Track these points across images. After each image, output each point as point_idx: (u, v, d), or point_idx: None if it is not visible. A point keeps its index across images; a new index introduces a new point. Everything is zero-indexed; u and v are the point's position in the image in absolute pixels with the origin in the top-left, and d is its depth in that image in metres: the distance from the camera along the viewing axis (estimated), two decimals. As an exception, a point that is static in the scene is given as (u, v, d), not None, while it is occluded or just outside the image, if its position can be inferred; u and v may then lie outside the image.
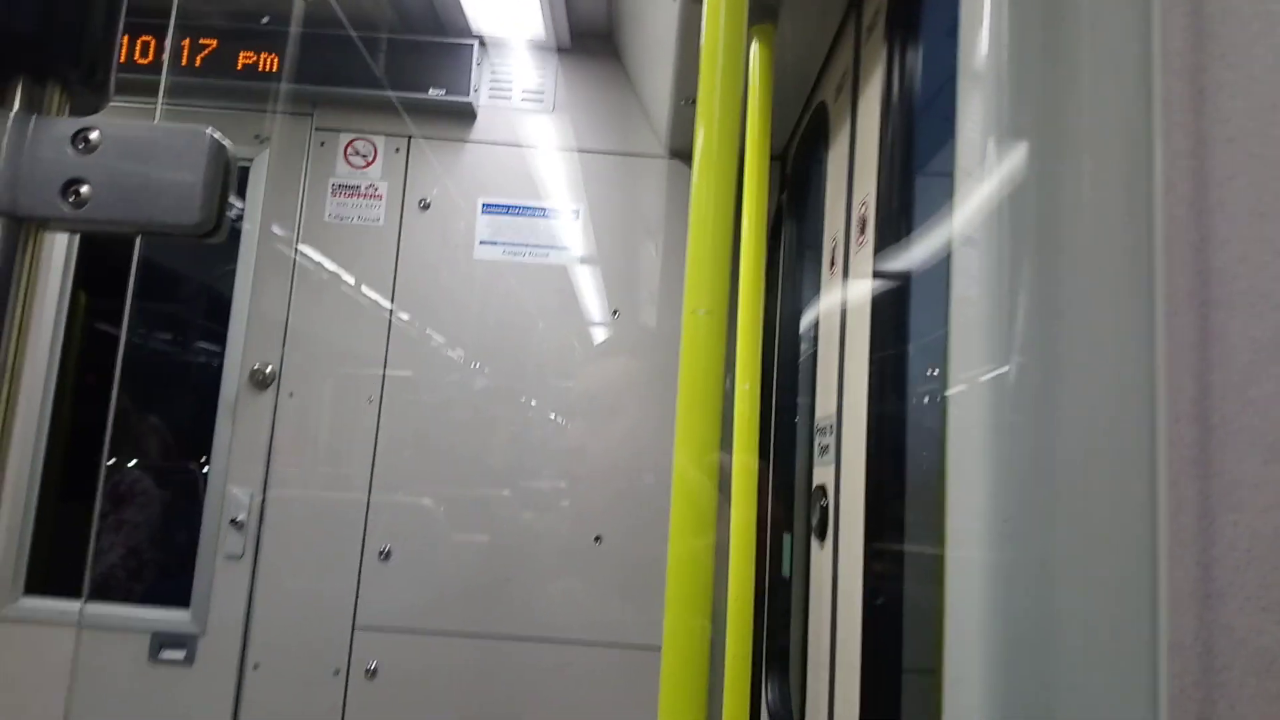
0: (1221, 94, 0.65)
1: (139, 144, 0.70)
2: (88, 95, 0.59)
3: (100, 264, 2.80)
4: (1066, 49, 0.79)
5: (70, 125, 0.55)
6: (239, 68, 2.62)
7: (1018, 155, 0.78)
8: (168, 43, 2.57)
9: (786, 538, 2.31)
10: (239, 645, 2.47)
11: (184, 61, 2.61)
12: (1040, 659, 0.74)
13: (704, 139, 1.05)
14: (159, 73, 2.60)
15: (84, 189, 0.62)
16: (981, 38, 0.83)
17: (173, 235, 0.71)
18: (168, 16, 2.59)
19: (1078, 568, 0.73)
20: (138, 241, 2.05)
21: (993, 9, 0.81)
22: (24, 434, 2.56)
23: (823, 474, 1.80)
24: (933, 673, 0.95)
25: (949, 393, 0.86)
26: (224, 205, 0.85)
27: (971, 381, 0.80)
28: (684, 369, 1.03)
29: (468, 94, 2.61)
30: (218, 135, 0.76)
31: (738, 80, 1.07)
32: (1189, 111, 0.69)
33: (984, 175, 0.80)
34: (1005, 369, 0.76)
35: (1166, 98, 0.72)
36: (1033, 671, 0.73)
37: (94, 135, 0.60)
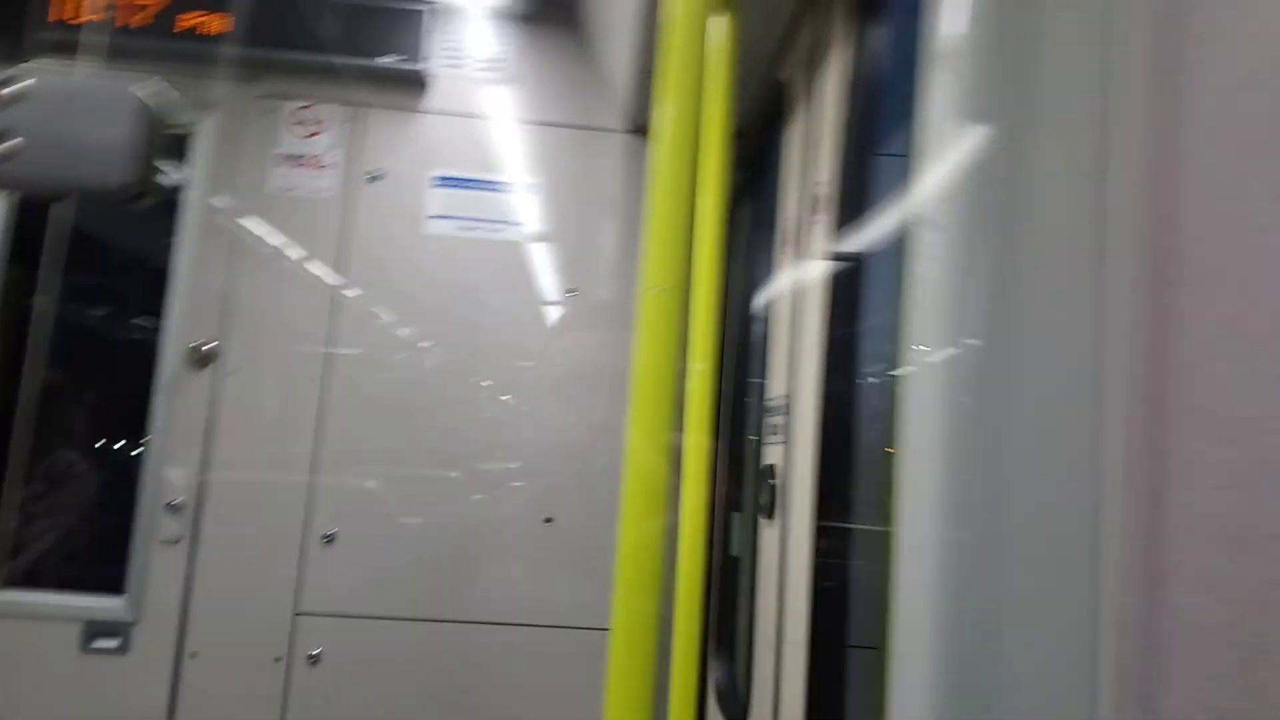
0: (1184, 74, 0.65)
1: (64, 100, 0.66)
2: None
3: (40, 239, 2.67)
4: (1029, 31, 0.78)
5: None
6: (180, 30, 2.51)
7: (978, 137, 0.78)
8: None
9: (736, 517, 2.32)
10: (176, 633, 2.40)
11: (119, 22, 2.49)
12: (988, 637, 0.74)
13: (663, 115, 1.03)
14: (95, 33, 2.47)
15: (4, 145, 0.58)
16: (945, 19, 0.82)
17: (98, 197, 0.67)
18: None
19: (1028, 547, 0.73)
20: (53, 206, 1.95)
21: None
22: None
23: (772, 453, 1.80)
24: (878, 649, 0.96)
25: (903, 373, 0.86)
26: (151, 166, 0.79)
27: (926, 362, 0.80)
28: (639, 347, 1.01)
29: (420, 62, 2.54)
30: (146, 93, 0.71)
31: (698, 55, 1.05)
32: (1149, 92, 0.69)
33: (944, 156, 0.79)
34: (960, 350, 0.76)
35: (1128, 78, 0.72)
36: (980, 649, 0.74)
37: (16, 86, 0.56)
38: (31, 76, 0.57)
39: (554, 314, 2.62)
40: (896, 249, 1.01)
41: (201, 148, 2.56)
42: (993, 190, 0.77)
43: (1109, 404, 0.69)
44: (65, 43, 2.46)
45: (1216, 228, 0.59)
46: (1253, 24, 0.59)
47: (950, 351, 0.77)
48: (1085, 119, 0.74)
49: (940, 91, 0.81)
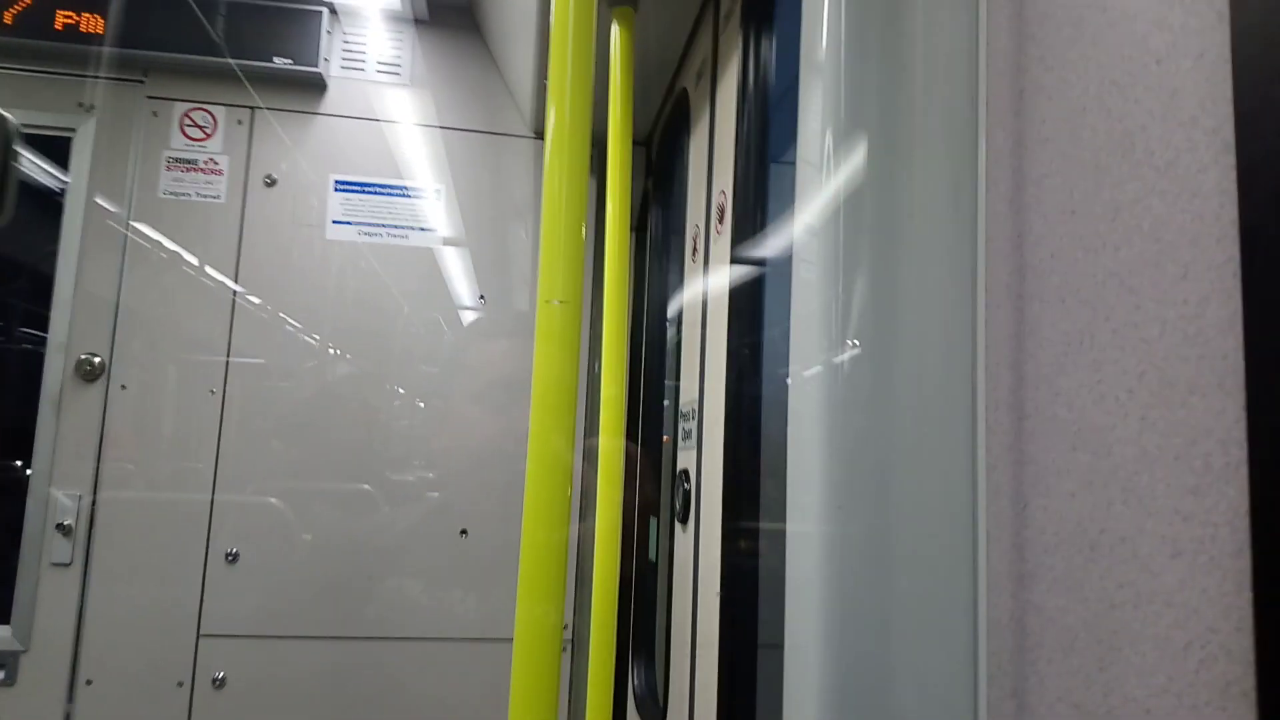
0: (1039, 95, 0.68)
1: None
2: None
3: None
4: (901, 46, 0.81)
5: None
6: (58, 28, 2.37)
7: (854, 148, 0.79)
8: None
9: (653, 522, 2.33)
10: (69, 660, 2.27)
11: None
12: (872, 632, 0.76)
13: (556, 121, 1.03)
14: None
15: None
16: (821, 33, 0.84)
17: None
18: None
19: (906, 547, 0.75)
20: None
21: (832, 6, 0.82)
22: None
23: (686, 458, 1.82)
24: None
25: (790, 376, 0.87)
26: (6, 185, 0.75)
27: (810, 365, 0.81)
28: (538, 360, 1.01)
29: (316, 64, 2.46)
30: None
31: (589, 60, 1.05)
32: (1009, 112, 0.71)
33: (822, 167, 0.81)
34: (841, 354, 0.78)
35: (990, 98, 0.75)
36: (865, 644, 0.76)
37: None
38: None
39: (466, 321, 2.58)
40: (791, 256, 1.03)
41: (83, 152, 2.43)
42: (869, 201, 0.79)
43: (977, 411, 0.71)
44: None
45: (1065, 244, 0.62)
46: (1088, 53, 0.62)
47: (832, 356, 0.79)
48: (954, 135, 0.77)
49: (820, 104, 0.83)
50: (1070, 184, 0.63)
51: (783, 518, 0.86)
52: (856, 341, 0.77)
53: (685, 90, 2.05)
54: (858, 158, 0.78)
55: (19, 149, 0.81)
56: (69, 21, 2.38)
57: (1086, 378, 0.59)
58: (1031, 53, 0.69)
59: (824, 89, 0.80)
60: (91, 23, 2.39)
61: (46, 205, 2.44)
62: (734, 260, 1.53)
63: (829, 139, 0.79)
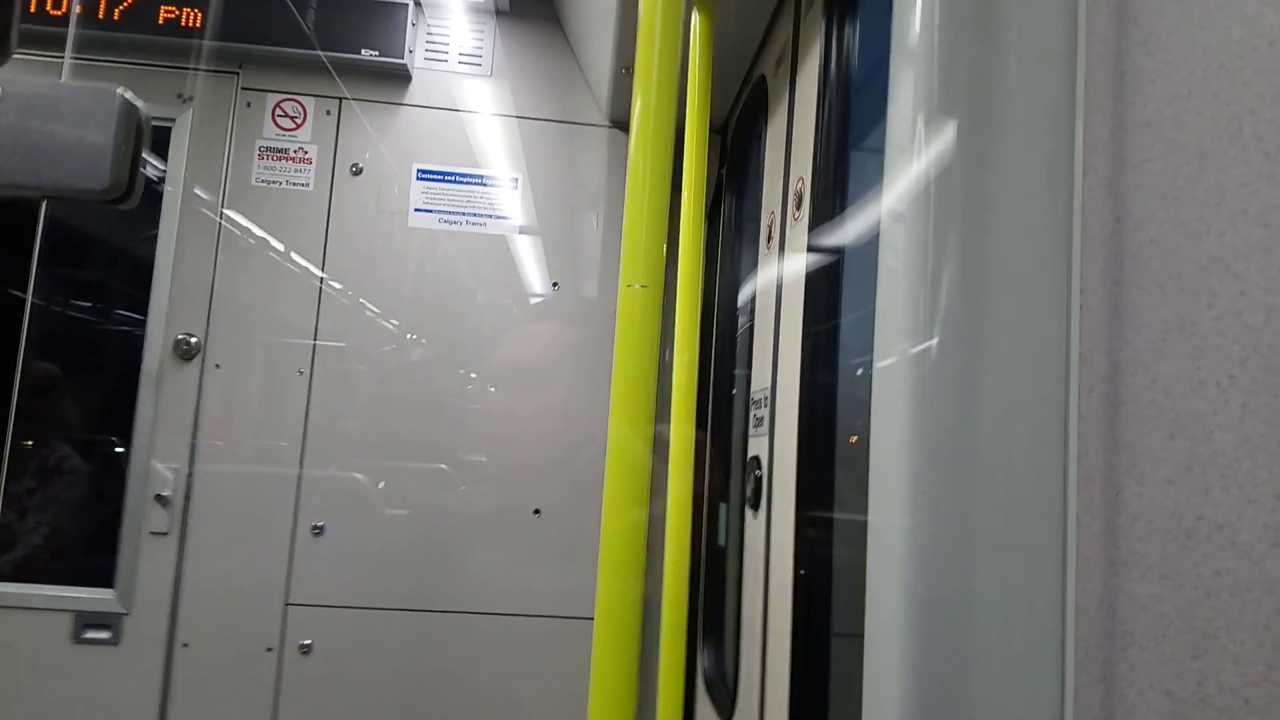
0: (1140, 79, 0.67)
1: (44, 101, 0.67)
2: None
3: (12, 228, 2.66)
4: (996, 31, 0.80)
5: (-34, 80, 0.52)
6: (160, 22, 2.49)
7: (946, 133, 0.79)
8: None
9: (723, 508, 2.34)
10: (167, 624, 2.41)
11: (101, 15, 2.47)
12: (955, 623, 0.76)
13: (641, 110, 1.04)
14: (77, 26, 2.46)
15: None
16: (914, 16, 0.84)
17: (81, 200, 0.68)
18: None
19: (992, 535, 0.75)
20: (43, 205, 1.93)
21: None
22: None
23: (757, 445, 1.82)
24: (861, 638, 0.98)
25: (875, 364, 0.87)
26: (136, 169, 0.80)
27: (896, 354, 0.82)
28: (619, 344, 1.03)
29: (402, 56, 2.53)
30: (129, 95, 0.72)
31: (675, 51, 1.06)
32: (1109, 96, 0.71)
33: (913, 152, 0.81)
34: (928, 343, 0.78)
35: (1089, 81, 0.74)
36: (948, 635, 0.76)
37: (-7, 90, 0.57)
38: (7, 80, 0.58)
39: (540, 306, 2.64)
40: (873, 243, 1.03)
41: (181, 141, 2.55)
42: (959, 187, 0.79)
43: (1070, 398, 0.71)
44: (50, 36, 2.45)
45: (1166, 230, 0.61)
46: (1194, 36, 0.61)
47: (920, 344, 0.79)
48: (1050, 119, 0.76)
49: (912, 88, 0.83)
50: (1172, 169, 0.62)
51: (858, 506, 0.87)
52: (944, 329, 0.77)
53: (764, 77, 2.04)
54: (949, 143, 0.78)
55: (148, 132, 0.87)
56: (171, 16, 2.50)
57: (1186, 364, 0.59)
58: (1133, 37, 0.68)
59: (916, 73, 0.80)
60: (192, 17, 2.50)
61: (146, 192, 2.57)
62: (811, 248, 1.53)
63: (920, 124, 0.79)
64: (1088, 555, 0.68)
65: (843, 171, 1.49)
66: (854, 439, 1.47)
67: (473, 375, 2.60)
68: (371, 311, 2.57)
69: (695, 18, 1.66)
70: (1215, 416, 0.56)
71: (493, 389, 2.61)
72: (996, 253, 0.77)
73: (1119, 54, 0.70)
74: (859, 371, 1.52)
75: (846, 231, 1.46)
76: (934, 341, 0.77)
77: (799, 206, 1.62)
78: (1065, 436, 0.71)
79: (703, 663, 2.30)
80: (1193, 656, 0.57)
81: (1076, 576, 0.69)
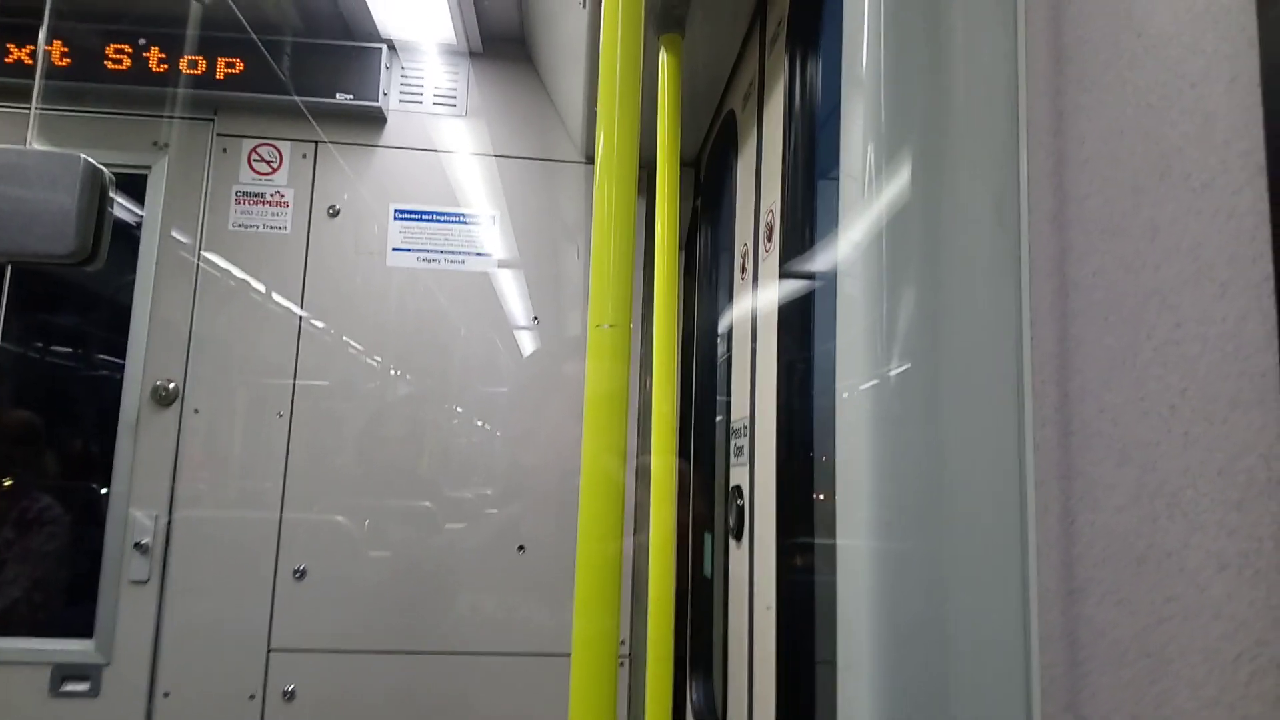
0: (1079, 116, 0.69)
1: (9, 169, 0.68)
2: None
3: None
4: (942, 65, 0.82)
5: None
6: (129, 68, 2.51)
7: (897, 163, 0.81)
8: (40, 43, 2.45)
9: (707, 537, 2.34)
10: (148, 674, 2.37)
11: (72, 64, 2.49)
12: (924, 648, 0.77)
13: (604, 148, 1.06)
14: (47, 76, 2.47)
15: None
16: (862, 50, 0.86)
17: (47, 264, 0.69)
18: (58, 18, 2.47)
19: (957, 563, 0.76)
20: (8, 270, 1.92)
21: (872, 25, 0.84)
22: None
23: (739, 475, 1.83)
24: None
25: (837, 394, 0.88)
26: (101, 232, 0.81)
27: (855, 382, 0.83)
28: (590, 383, 1.04)
29: (377, 98, 2.56)
30: (92, 160, 0.74)
31: (636, 88, 1.08)
32: (1049, 132, 0.73)
33: (865, 181, 0.83)
34: (887, 371, 0.79)
35: (1030, 118, 0.76)
36: (917, 660, 0.77)
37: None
38: None
39: (521, 342, 2.64)
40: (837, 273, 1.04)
41: (158, 188, 2.56)
42: (914, 217, 0.80)
43: (1025, 427, 0.72)
44: (17, 89, 2.46)
45: (1107, 263, 0.63)
46: (1124, 76, 0.63)
47: (879, 372, 0.80)
48: (996, 153, 0.78)
49: (862, 120, 0.85)
50: (1110, 204, 0.64)
51: (836, 534, 0.87)
52: (902, 360, 0.78)
53: (733, 111, 2.08)
54: (901, 172, 0.80)
55: (114, 195, 0.88)
56: (142, 63, 2.51)
57: (1131, 394, 0.60)
58: (1070, 74, 0.70)
59: (866, 103, 0.82)
60: (165, 65, 2.52)
61: (123, 239, 2.58)
62: (783, 277, 1.55)
63: (871, 153, 0.81)
64: (1048, 583, 0.68)
65: (810, 203, 1.51)
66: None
67: (457, 410, 2.60)
68: (354, 350, 2.57)
69: (663, 55, 1.69)
70: (1159, 446, 0.57)
71: (478, 423, 2.61)
72: (950, 282, 0.79)
73: (1057, 91, 0.72)
74: (832, 399, 1.53)
75: (816, 261, 1.48)
76: (893, 369, 0.79)
77: (770, 238, 1.64)
78: (1022, 464, 0.72)
79: (691, 694, 2.29)
80: (1150, 681, 0.58)
81: (1039, 604, 0.70)
